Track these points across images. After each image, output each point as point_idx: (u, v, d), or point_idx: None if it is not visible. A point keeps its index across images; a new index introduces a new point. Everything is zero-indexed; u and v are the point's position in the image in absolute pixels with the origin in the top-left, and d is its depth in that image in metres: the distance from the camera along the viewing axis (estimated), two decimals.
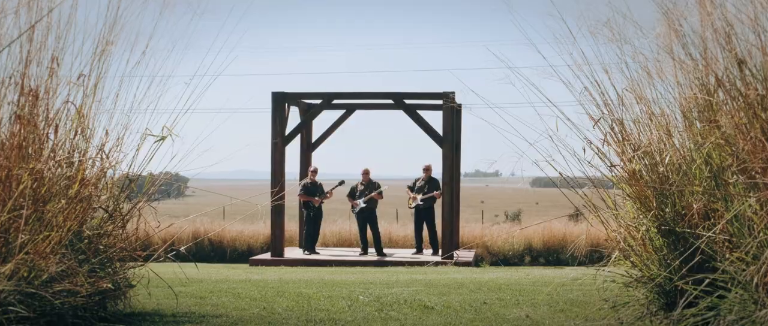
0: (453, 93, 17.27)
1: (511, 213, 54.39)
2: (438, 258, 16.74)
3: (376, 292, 8.47)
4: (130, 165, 6.33)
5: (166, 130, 6.22)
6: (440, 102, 17.42)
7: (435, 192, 17.44)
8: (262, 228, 21.29)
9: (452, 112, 17.26)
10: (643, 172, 5.68)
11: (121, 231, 6.09)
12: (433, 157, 17.75)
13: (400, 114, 17.94)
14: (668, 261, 5.51)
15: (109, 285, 5.39)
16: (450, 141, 17.26)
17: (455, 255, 16.98)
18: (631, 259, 5.81)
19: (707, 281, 4.82)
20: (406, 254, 17.98)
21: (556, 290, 8.36)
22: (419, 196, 17.57)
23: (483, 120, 6.55)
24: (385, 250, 17.96)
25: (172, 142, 6.27)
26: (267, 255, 17.77)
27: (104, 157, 6.08)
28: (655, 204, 5.49)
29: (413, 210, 17.99)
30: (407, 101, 17.84)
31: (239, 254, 20.89)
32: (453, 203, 17.69)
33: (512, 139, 6.14)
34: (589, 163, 5.97)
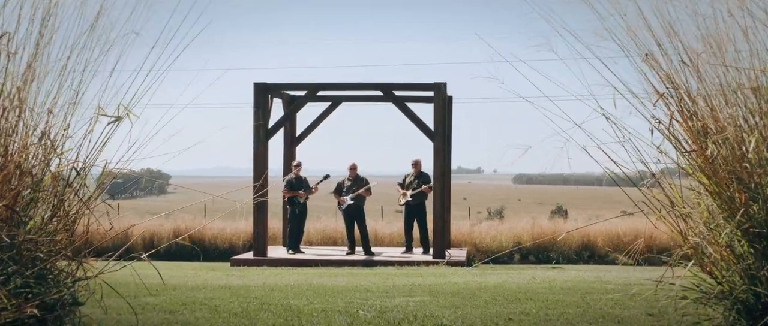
0: (445, 84, 16.22)
1: (493, 209, 54.64)
2: (429, 258, 15.78)
3: (377, 304, 7.30)
4: (78, 153, 5.10)
5: (123, 110, 5.02)
6: (431, 93, 16.35)
7: (424, 186, 16.36)
8: (244, 226, 20.19)
9: (443, 105, 16.22)
10: (725, 161, 4.54)
11: (67, 234, 4.87)
12: (424, 151, 16.66)
13: (389, 107, 16.86)
14: (754, 272, 4.40)
15: (34, 311, 4.12)
16: (441, 134, 16.17)
17: (447, 254, 15.99)
18: (709, 269, 4.65)
19: None
20: (395, 253, 16.95)
21: (584, 299, 7.27)
22: (408, 192, 16.51)
23: (519, 96, 5.41)
24: (372, 249, 16.87)
25: (131, 125, 5.08)
26: (249, 255, 16.65)
27: (47, 142, 4.90)
28: (743, 201, 4.37)
29: (403, 207, 16.90)
30: (396, 93, 16.72)
31: (220, 252, 19.72)
32: (444, 200, 16.63)
33: (555, 119, 5.01)
34: (658, 148, 4.80)
